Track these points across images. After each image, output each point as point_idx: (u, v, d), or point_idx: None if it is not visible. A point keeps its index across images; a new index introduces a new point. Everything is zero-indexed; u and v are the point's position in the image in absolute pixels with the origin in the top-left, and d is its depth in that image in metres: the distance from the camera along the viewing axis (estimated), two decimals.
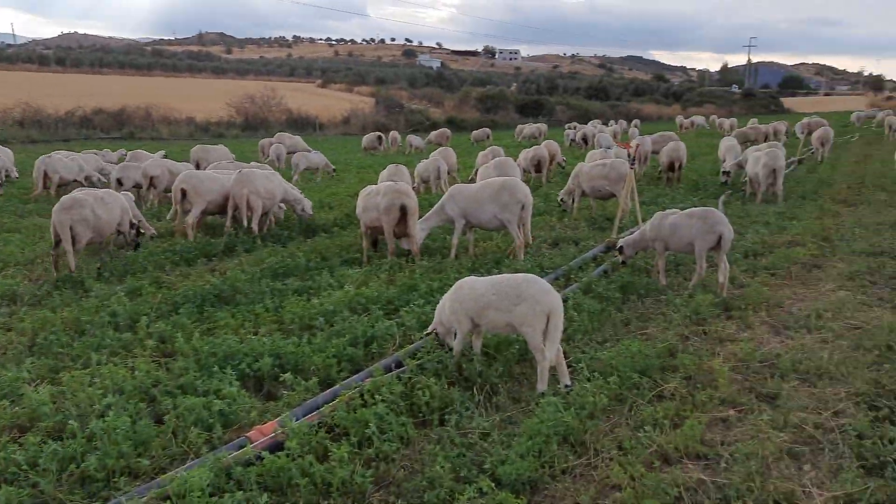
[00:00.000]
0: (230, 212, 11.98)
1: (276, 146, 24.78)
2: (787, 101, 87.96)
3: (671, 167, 18.09)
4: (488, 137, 37.27)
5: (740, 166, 17.78)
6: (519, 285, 5.88)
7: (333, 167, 22.54)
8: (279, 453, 4.62)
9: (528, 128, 39.24)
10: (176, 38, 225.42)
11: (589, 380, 5.85)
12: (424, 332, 6.82)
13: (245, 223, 11.84)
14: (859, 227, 11.84)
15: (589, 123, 40.50)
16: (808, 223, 12.14)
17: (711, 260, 8.72)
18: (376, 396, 5.45)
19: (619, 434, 5.13)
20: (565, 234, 12.02)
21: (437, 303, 7.91)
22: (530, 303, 5.77)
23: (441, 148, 21.79)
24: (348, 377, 6.15)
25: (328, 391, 5.79)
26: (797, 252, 10.13)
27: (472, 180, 18.10)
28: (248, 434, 4.98)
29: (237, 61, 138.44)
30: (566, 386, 5.85)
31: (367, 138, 32.89)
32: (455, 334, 6.50)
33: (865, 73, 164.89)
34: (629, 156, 12.00)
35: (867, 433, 4.94)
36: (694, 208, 8.78)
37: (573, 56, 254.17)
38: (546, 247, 11.18)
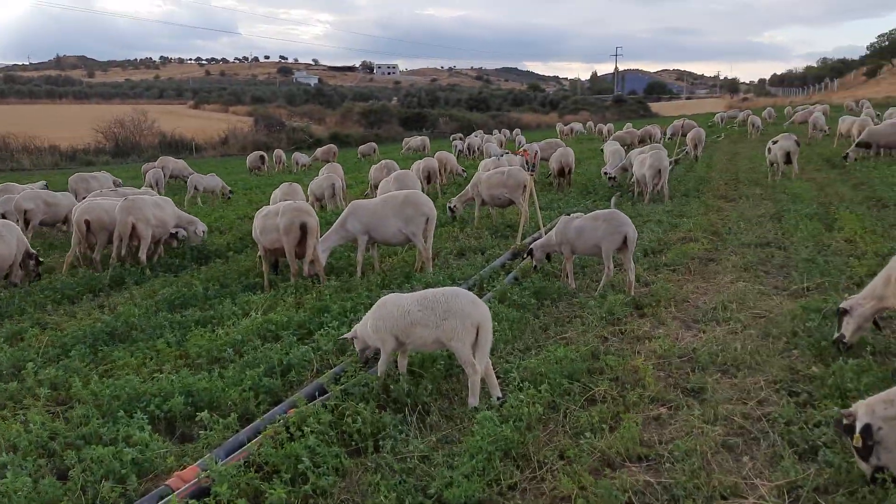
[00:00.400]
0: (116, 241, 11.22)
1: (153, 171, 23.59)
2: (654, 106, 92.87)
3: (561, 172, 18.52)
4: (375, 152, 37.08)
5: (625, 169, 18.43)
6: (446, 300, 5.72)
7: (231, 189, 21.90)
8: (206, 500, 4.24)
9: (415, 140, 39.36)
10: (31, 63, 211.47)
11: (519, 389, 5.75)
12: (341, 336, 6.58)
13: (123, 253, 11.16)
14: (743, 221, 12.46)
15: (472, 134, 41.20)
16: (697, 219, 12.67)
17: (617, 260, 8.89)
18: (304, 428, 5.13)
19: (559, 443, 5.05)
20: (469, 244, 11.98)
21: (354, 323, 7.68)
22: (459, 316, 5.62)
23: (328, 164, 21.46)
24: (269, 410, 5.79)
25: (249, 427, 5.41)
26: (692, 247, 10.52)
27: (369, 195, 17.90)
28: (167, 482, 4.55)
29: (101, 85, 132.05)
30: (498, 398, 5.73)
31: (251, 158, 31.93)
32: (365, 350, 6.33)
33: (721, 77, 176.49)
34: (527, 163, 12.13)
35: (794, 419, 5.09)
36: (598, 211, 8.93)
37: (450, 69, 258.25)
38: (452, 258, 11.08)
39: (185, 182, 22.80)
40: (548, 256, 9.44)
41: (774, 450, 4.77)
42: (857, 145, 19.32)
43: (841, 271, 8.65)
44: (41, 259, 11.10)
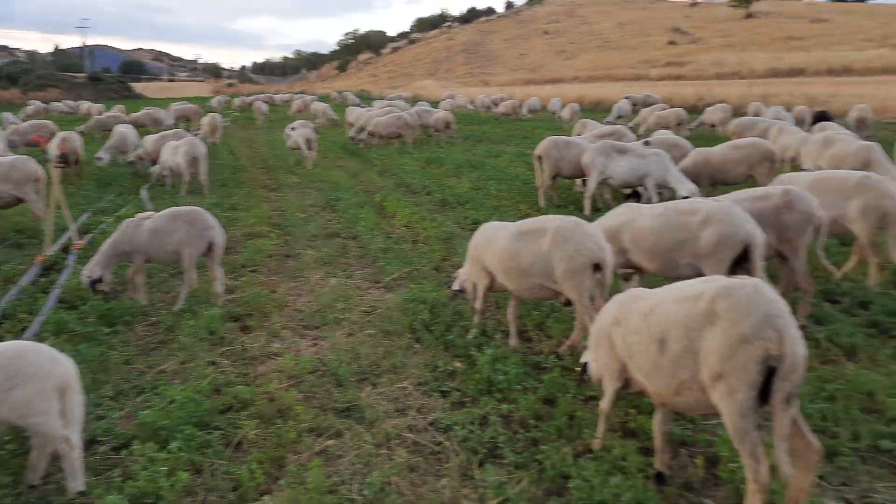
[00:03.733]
0: None
1: None
2: (137, 87, 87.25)
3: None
4: None
5: (138, 159, 16.63)
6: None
7: None
8: None
9: None
10: None
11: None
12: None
13: None
14: (300, 211, 12.05)
15: None
16: (255, 212, 11.87)
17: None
18: None
19: None
20: None
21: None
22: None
23: None
24: None
25: None
26: (264, 244, 9.79)
27: None
28: None
29: None
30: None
31: None
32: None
33: (201, 61, 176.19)
34: (47, 153, 9.80)
35: (441, 416, 4.98)
36: (176, 209, 7.53)
37: None
38: None
39: None
40: None
41: (460, 461, 4.52)
42: (371, 135, 21.01)
43: (426, 258, 8.91)
44: None
